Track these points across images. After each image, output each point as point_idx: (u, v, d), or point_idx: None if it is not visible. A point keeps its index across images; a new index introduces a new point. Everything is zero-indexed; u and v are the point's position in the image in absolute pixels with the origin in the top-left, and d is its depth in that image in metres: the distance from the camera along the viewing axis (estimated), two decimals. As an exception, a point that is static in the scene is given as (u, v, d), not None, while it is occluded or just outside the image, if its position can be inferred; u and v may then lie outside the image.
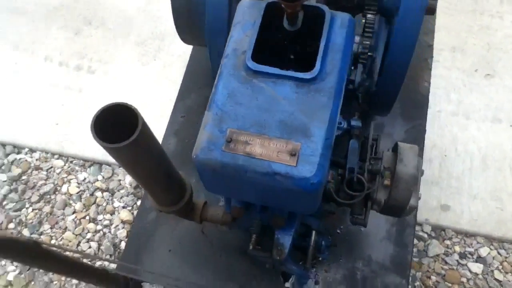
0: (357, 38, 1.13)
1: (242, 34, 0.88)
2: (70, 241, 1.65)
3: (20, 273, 1.63)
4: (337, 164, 1.00)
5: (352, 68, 1.10)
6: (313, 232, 1.02)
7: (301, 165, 0.76)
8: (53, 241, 1.65)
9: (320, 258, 1.20)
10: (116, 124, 0.72)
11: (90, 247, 1.65)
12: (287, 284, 1.21)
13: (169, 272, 1.25)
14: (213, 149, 0.79)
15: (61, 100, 1.86)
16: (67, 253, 0.93)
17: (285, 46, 0.92)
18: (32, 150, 1.82)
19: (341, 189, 0.96)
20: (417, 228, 1.58)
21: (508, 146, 1.68)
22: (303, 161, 0.76)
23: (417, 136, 1.35)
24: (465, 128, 1.72)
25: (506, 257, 1.52)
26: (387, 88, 1.10)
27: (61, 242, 1.65)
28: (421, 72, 1.44)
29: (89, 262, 1.09)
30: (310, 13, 0.88)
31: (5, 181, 1.76)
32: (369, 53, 1.10)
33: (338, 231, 1.27)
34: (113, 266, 1.54)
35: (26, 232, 1.67)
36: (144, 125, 0.72)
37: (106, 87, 1.91)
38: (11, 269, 1.63)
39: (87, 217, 1.70)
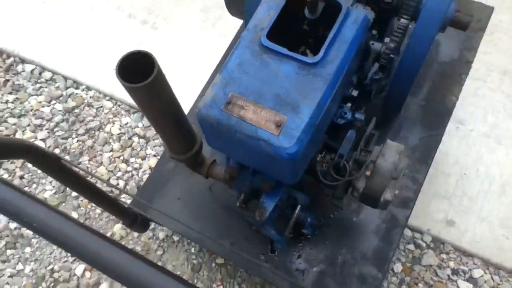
0: (386, 39, 1.19)
1: (265, 13, 0.97)
2: (102, 175, 1.85)
3: (55, 193, 1.85)
4: (332, 149, 1.08)
5: (371, 64, 1.16)
6: (298, 206, 1.12)
7: (282, 136, 0.85)
8: (88, 171, 1.85)
9: (307, 235, 1.29)
10: (138, 70, 0.85)
11: (118, 184, 1.83)
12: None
13: (173, 217, 1.39)
14: (214, 107, 0.90)
15: (122, 50, 2.04)
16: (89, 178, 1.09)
17: (304, 31, 1.01)
18: (88, 88, 2.03)
19: (328, 172, 1.04)
20: (417, 235, 1.62)
21: (532, 180, 1.66)
22: (285, 133, 0.86)
23: (430, 146, 1.39)
24: (493, 151, 1.72)
25: (498, 284, 1.52)
26: (396, 90, 1.15)
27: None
28: (452, 86, 1.46)
29: (105, 191, 1.25)
30: (330, 5, 0.96)
31: (60, 110, 1.98)
32: (391, 55, 1.16)
33: (332, 215, 1.35)
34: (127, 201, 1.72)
35: (67, 158, 1.89)
36: (159, 71, 0.84)
37: (163, 45, 2.07)
38: (49, 188, 1.86)
39: (121, 157, 1.88)
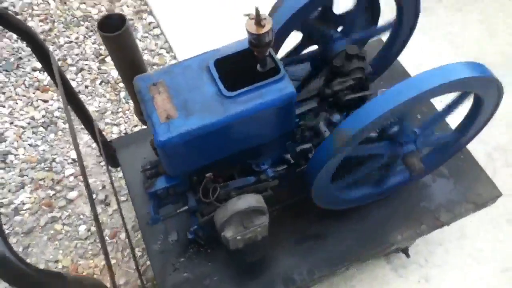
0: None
1: (233, 47, 1.19)
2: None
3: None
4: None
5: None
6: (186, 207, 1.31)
7: (164, 126, 1.07)
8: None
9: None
10: (114, 27, 1.15)
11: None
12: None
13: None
14: (146, 80, 1.14)
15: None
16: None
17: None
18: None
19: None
20: None
21: None
22: (167, 126, 1.07)
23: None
24: None
25: None
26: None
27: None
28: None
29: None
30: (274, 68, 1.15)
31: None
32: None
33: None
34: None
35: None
36: (127, 29, 1.13)
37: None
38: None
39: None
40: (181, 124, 1.07)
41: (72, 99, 1.45)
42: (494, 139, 2.19)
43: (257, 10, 1.01)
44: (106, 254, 1.14)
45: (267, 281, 1.46)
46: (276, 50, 1.38)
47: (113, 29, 1.14)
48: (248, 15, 1.03)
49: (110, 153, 1.75)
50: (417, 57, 2.29)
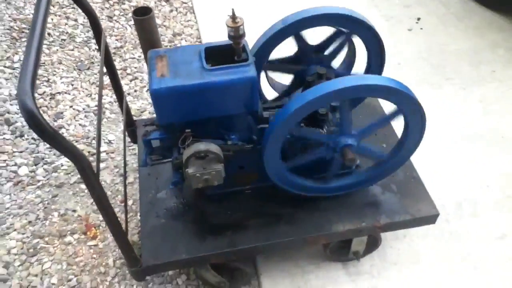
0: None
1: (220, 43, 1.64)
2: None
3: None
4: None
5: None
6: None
7: (158, 80, 1.51)
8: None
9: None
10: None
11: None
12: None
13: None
14: (157, 52, 1.62)
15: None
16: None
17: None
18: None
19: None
20: None
21: None
22: (160, 81, 1.51)
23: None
24: None
25: None
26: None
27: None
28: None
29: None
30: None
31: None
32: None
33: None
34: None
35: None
36: (152, 17, 1.63)
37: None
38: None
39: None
40: (169, 81, 1.52)
41: (110, 72, 1.96)
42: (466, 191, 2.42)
43: (233, 11, 1.48)
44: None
45: (220, 239, 1.80)
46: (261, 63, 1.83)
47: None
48: (229, 15, 1.50)
49: (131, 129, 2.23)
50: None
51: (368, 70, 1.96)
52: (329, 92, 1.46)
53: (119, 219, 1.52)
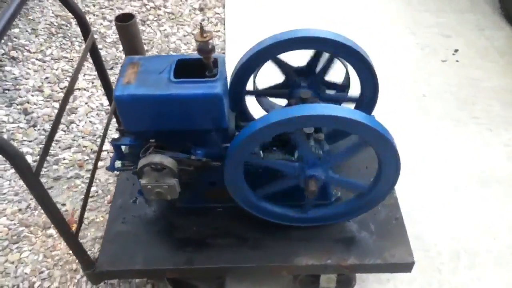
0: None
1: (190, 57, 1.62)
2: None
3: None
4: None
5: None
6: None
7: (122, 87, 1.50)
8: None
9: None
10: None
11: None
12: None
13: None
14: (132, 60, 1.63)
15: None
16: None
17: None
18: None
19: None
20: None
21: None
22: (124, 88, 1.50)
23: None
24: None
25: None
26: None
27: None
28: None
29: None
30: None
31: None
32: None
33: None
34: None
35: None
36: (134, 22, 1.64)
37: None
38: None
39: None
40: (133, 89, 1.51)
41: (100, 72, 1.98)
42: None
43: (201, 25, 1.45)
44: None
45: (180, 254, 1.76)
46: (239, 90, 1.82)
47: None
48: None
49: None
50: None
51: (361, 96, 1.86)
52: (280, 120, 1.38)
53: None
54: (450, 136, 2.72)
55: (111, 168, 1.74)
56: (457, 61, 3.28)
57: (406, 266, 1.74)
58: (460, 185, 2.46)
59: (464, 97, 2.98)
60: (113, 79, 3.04)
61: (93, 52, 1.84)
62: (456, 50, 3.36)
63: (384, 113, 2.68)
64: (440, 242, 2.21)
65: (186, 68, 1.58)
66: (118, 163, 1.74)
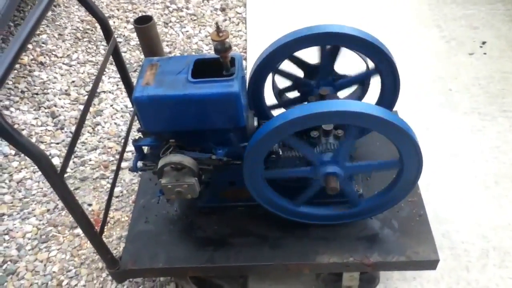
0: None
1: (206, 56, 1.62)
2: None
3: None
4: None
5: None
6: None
7: (141, 88, 1.52)
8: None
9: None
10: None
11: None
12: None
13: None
14: (151, 61, 1.65)
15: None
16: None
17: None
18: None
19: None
20: None
21: None
22: (143, 88, 1.52)
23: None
24: None
25: None
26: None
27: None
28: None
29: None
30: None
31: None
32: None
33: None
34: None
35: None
36: (153, 24, 1.66)
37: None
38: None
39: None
40: (152, 90, 1.53)
41: (123, 75, 2.01)
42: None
43: (217, 24, 1.45)
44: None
45: (201, 253, 1.77)
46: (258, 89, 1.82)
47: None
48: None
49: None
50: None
51: (382, 92, 1.83)
52: (299, 117, 1.37)
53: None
54: (479, 131, 2.65)
55: (133, 168, 1.76)
56: (484, 53, 3.18)
57: (431, 264, 1.70)
58: (490, 180, 2.39)
59: (493, 91, 2.89)
60: (137, 81, 3.09)
61: (116, 55, 1.87)
62: (483, 43, 3.26)
63: (409, 109, 2.64)
64: (468, 240, 2.15)
65: (204, 68, 1.59)
66: (140, 164, 1.76)
